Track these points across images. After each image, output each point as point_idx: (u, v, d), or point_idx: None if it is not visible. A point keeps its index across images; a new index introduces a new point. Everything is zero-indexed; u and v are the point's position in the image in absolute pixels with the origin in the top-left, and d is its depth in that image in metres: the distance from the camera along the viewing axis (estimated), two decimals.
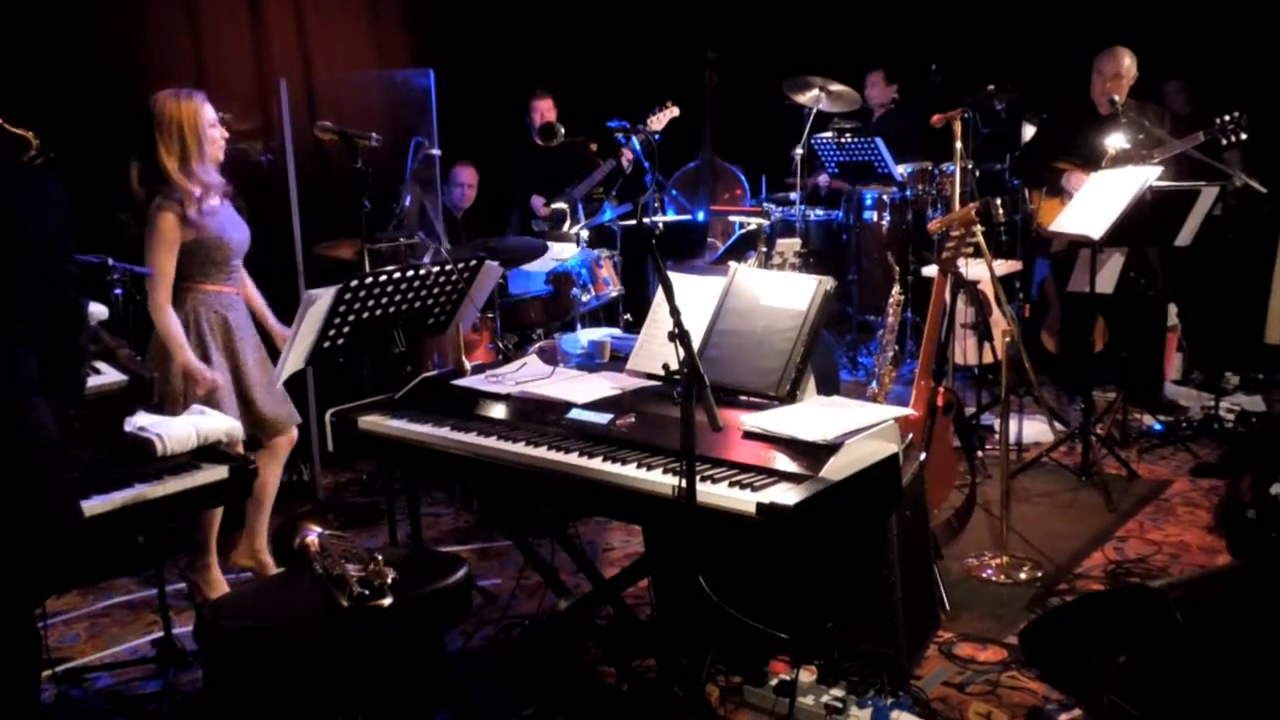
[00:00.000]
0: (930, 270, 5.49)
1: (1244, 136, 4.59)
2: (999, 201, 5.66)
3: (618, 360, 3.13)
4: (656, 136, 5.22)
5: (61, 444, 2.27)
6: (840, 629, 2.94)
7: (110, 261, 3.70)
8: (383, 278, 2.94)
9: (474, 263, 3.18)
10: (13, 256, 2.14)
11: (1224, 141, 4.66)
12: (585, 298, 4.81)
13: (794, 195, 6.37)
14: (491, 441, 2.64)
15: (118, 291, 3.81)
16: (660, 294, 2.85)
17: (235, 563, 3.74)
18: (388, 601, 2.41)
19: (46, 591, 2.58)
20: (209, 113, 3.41)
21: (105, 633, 3.52)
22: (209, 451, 2.91)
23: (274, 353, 3.66)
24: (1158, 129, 4.92)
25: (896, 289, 3.98)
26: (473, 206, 5.95)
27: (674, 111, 5.55)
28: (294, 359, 2.91)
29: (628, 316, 5.50)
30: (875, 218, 6.53)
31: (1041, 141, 5.50)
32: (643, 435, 2.52)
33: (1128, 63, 5.00)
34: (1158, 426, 5.13)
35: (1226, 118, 4.65)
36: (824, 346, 4.48)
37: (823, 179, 7.00)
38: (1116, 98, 4.88)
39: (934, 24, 6.98)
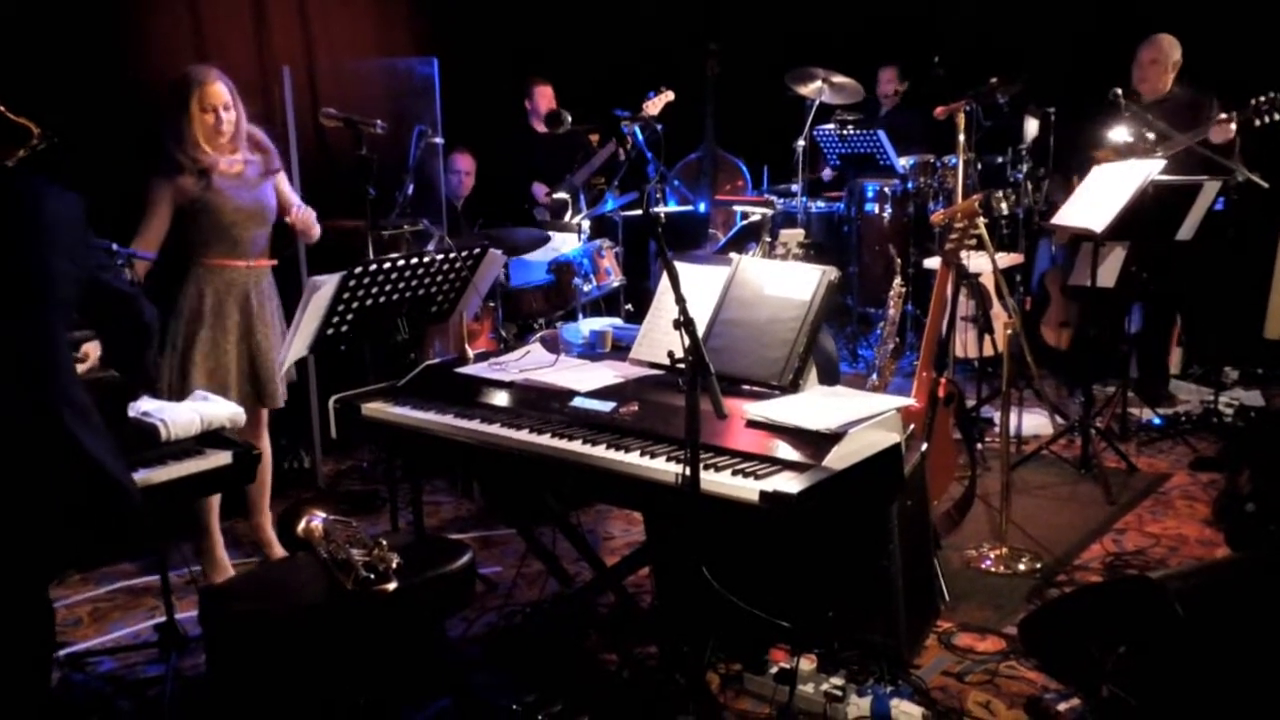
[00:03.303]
0: (931, 263, 5.50)
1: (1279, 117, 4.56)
2: (1001, 194, 5.68)
3: (619, 350, 3.14)
4: (660, 126, 5.22)
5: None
6: (840, 618, 2.96)
7: (114, 247, 3.70)
8: (387, 265, 2.94)
9: (478, 251, 3.19)
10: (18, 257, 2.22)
11: (1257, 122, 4.62)
12: (587, 287, 4.81)
13: (795, 186, 6.37)
14: (495, 428, 2.65)
15: (124, 277, 3.81)
16: (664, 283, 2.86)
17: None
18: (392, 586, 2.41)
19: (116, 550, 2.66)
20: (206, 94, 3.41)
21: (107, 617, 3.53)
22: (212, 437, 2.91)
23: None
24: (1160, 125, 4.91)
25: (898, 281, 3.98)
26: (472, 195, 5.94)
27: (669, 96, 5.53)
28: (298, 346, 2.92)
29: (629, 307, 5.50)
30: (877, 210, 6.52)
31: (1078, 134, 5.48)
32: (646, 423, 2.53)
33: (1168, 49, 5.08)
34: (1157, 420, 5.15)
35: (1262, 98, 4.61)
36: (824, 337, 4.48)
37: (826, 173, 7.01)
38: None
39: (938, 16, 6.97)
